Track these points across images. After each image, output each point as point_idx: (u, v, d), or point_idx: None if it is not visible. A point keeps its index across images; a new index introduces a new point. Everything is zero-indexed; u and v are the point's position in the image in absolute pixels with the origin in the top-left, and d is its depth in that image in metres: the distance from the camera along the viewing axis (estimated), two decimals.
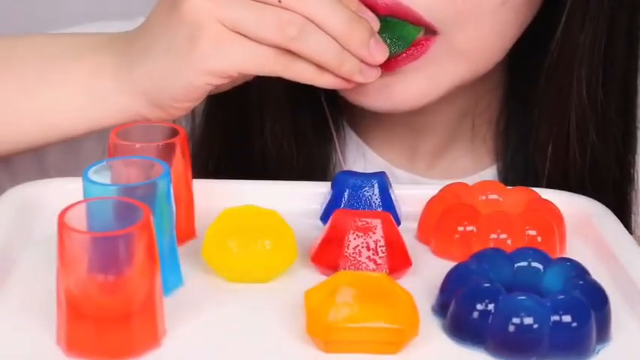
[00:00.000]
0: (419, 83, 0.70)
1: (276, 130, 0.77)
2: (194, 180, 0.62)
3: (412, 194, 0.67)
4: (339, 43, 0.62)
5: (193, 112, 0.80)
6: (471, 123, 0.82)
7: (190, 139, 0.81)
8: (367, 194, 0.63)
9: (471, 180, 0.81)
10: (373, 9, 0.66)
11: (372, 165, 0.82)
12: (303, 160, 0.79)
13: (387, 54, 0.65)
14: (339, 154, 0.82)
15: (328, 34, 0.62)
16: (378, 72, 0.65)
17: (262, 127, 0.77)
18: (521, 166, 0.80)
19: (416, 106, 0.71)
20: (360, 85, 0.66)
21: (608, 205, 0.67)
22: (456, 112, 0.81)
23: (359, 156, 0.83)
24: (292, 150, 0.78)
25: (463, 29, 0.68)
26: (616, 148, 0.77)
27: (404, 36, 0.67)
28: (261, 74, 0.64)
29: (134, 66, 0.66)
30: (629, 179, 0.80)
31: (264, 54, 0.61)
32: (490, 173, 0.82)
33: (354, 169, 0.82)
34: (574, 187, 0.75)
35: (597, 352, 0.52)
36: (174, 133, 0.60)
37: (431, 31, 0.68)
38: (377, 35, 0.64)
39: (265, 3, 0.61)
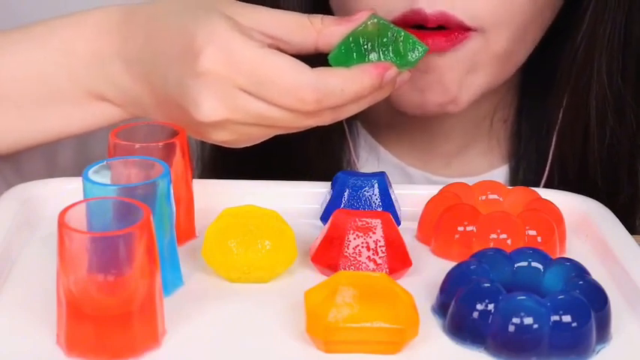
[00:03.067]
0: (461, 77, 0.71)
1: (300, 134, 0.78)
2: (194, 180, 0.62)
3: (412, 194, 0.67)
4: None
5: None
6: (489, 125, 0.82)
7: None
8: (367, 194, 0.63)
9: (484, 178, 0.82)
10: (424, 23, 0.68)
11: (386, 165, 0.82)
12: (320, 158, 0.79)
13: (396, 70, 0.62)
14: (353, 154, 0.82)
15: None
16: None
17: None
18: (534, 162, 0.81)
19: (463, 103, 0.73)
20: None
21: (622, 194, 0.67)
22: (473, 118, 0.81)
23: (372, 155, 0.83)
24: (307, 150, 0.78)
25: (500, 30, 0.70)
26: (633, 133, 0.78)
27: (410, 60, 0.66)
28: None
29: (140, 103, 0.66)
30: None
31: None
32: (503, 171, 0.83)
33: (366, 168, 0.82)
34: (591, 175, 0.76)
35: (597, 352, 0.52)
36: (174, 133, 0.60)
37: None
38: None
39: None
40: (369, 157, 0.83)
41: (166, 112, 0.64)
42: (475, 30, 0.69)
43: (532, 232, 0.60)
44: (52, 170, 0.77)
